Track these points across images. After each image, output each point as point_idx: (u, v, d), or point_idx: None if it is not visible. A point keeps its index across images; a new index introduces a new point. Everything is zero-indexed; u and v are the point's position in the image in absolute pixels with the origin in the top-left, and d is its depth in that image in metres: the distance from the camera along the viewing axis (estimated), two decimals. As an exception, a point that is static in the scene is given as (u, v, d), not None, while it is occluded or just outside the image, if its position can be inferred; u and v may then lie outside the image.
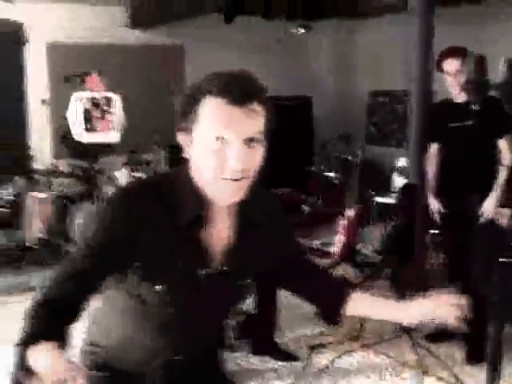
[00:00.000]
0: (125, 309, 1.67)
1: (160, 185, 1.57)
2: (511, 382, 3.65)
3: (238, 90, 1.43)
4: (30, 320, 1.43)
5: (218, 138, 1.42)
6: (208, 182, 1.49)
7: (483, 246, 4.03)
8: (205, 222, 1.55)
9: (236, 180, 1.45)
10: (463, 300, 1.65)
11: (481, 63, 2.30)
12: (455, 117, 3.95)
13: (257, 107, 1.46)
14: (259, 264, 1.71)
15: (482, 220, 3.95)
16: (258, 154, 1.48)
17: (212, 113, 1.43)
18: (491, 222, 4.02)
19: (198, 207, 1.53)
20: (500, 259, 2.47)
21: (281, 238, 1.79)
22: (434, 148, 4.25)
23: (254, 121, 1.45)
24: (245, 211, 1.60)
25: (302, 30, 6.48)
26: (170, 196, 1.52)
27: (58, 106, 7.47)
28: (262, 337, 4.06)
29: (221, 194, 1.49)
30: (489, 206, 3.94)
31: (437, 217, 4.24)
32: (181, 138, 1.53)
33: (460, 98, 3.83)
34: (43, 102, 7.62)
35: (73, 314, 1.49)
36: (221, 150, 1.42)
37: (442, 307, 1.64)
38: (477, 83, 2.28)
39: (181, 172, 1.56)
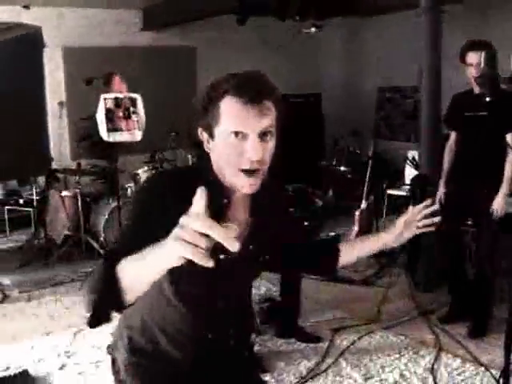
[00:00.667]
0: (156, 291, 1.75)
1: (188, 174, 1.78)
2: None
3: (252, 89, 1.61)
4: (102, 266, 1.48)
5: (236, 134, 1.59)
6: (229, 173, 1.66)
7: (490, 232, 4.24)
8: (228, 210, 1.73)
9: (253, 171, 1.63)
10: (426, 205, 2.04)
11: (492, 58, 2.50)
12: (472, 106, 4.14)
13: (269, 104, 1.64)
14: (272, 243, 1.92)
15: (494, 217, 4.10)
16: (270, 146, 1.66)
17: (230, 111, 1.60)
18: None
19: (222, 196, 1.71)
20: None
21: (286, 219, 2.08)
22: (452, 136, 4.46)
23: (267, 117, 1.62)
24: (259, 199, 1.78)
25: (314, 30, 6.66)
26: (197, 184, 1.44)
27: (75, 107, 7.73)
28: (287, 321, 4.27)
29: (241, 184, 1.65)
30: (499, 204, 4.10)
31: (439, 205, 4.38)
32: (202, 134, 1.71)
33: (479, 89, 3.96)
34: (60, 104, 7.85)
35: None
36: (239, 144, 1.60)
37: (411, 218, 2.02)
38: (489, 77, 2.47)
39: (204, 165, 1.73)
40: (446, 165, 4.49)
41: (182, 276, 1.67)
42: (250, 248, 1.79)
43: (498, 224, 4.20)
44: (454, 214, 4.34)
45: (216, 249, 1.25)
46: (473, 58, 3.95)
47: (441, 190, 4.47)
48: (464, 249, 4.80)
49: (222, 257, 1.58)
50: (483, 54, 2.58)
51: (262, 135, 1.62)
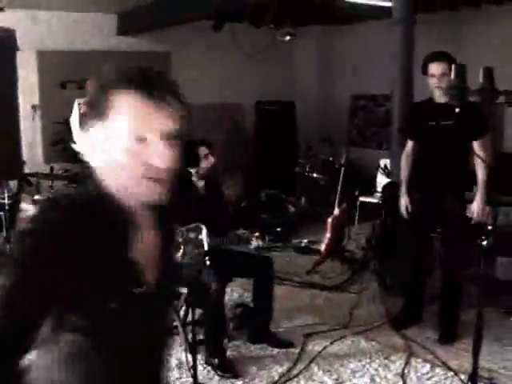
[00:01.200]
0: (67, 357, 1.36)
1: (81, 209, 1.34)
2: (493, 360, 3.95)
3: (155, 84, 1.34)
4: None
5: (138, 137, 1.32)
6: (128, 184, 1.35)
7: (457, 238, 4.36)
8: (132, 238, 1.39)
9: (158, 180, 1.35)
10: None
11: (462, 70, 2.57)
12: (436, 116, 4.24)
13: (174, 104, 1.37)
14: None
15: (473, 221, 4.20)
16: (177, 152, 1.38)
17: (129, 109, 1.32)
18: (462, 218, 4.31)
19: (122, 223, 1.37)
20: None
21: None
22: (410, 145, 4.54)
23: (173, 118, 1.36)
24: (164, 216, 1.51)
25: (288, 38, 6.73)
26: (95, 218, 1.32)
27: (48, 111, 7.68)
28: (260, 326, 4.30)
29: (144, 195, 1.37)
30: (477, 207, 4.20)
31: (404, 214, 4.52)
32: (86, 136, 1.39)
33: (443, 98, 4.08)
34: (33, 107, 7.79)
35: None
36: (141, 149, 1.32)
37: None
38: (458, 89, 2.55)
39: (92, 185, 1.38)
40: (404, 172, 4.57)
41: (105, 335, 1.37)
42: (163, 283, 1.47)
43: (465, 231, 4.31)
44: (421, 221, 4.46)
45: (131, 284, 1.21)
46: (434, 68, 4.16)
47: (404, 199, 4.54)
48: (431, 255, 4.89)
49: (138, 290, 1.38)
50: (454, 66, 2.65)
51: (169, 139, 1.35)
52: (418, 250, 4.53)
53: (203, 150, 4.19)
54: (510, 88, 2.77)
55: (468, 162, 4.26)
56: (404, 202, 4.52)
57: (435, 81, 4.17)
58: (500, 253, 4.72)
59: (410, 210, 4.50)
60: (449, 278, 4.42)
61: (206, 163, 4.19)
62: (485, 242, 2.58)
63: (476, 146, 4.15)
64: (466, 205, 4.57)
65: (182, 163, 4.10)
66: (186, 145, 4.77)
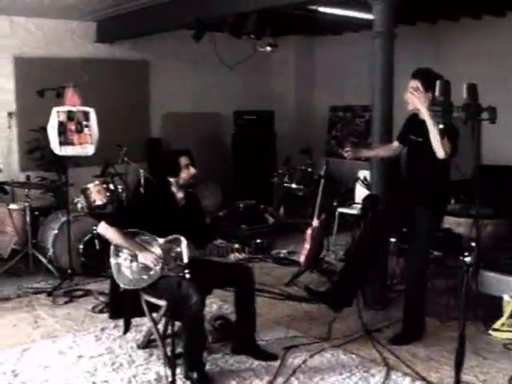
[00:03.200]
0: None
1: None
2: (471, 373, 3.95)
3: None
4: None
5: None
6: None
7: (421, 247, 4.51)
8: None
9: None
10: None
11: (447, 87, 2.59)
12: (414, 131, 4.41)
13: None
14: None
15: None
16: None
17: None
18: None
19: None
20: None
21: None
22: (395, 144, 4.77)
23: None
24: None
25: (269, 48, 6.73)
26: None
27: (25, 118, 7.59)
28: (243, 338, 4.26)
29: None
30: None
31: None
32: None
33: (419, 112, 4.24)
34: (9, 114, 7.69)
35: None
36: None
37: None
38: (443, 105, 2.56)
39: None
40: (374, 150, 5.01)
41: None
42: None
43: (428, 240, 4.49)
44: (387, 220, 4.70)
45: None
46: (412, 84, 4.27)
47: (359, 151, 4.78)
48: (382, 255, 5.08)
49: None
50: (438, 82, 2.66)
51: None
52: (374, 242, 4.69)
53: (184, 160, 4.15)
54: (489, 102, 2.78)
55: (442, 178, 4.38)
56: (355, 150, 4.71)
57: (412, 97, 4.26)
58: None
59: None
60: (410, 286, 4.63)
61: (187, 173, 4.15)
62: (468, 258, 2.58)
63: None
64: (442, 217, 4.85)
65: (163, 172, 4.17)
66: (167, 154, 4.77)
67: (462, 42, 7.60)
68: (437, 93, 2.65)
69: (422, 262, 4.53)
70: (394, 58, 5.05)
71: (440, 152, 4.00)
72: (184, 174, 4.15)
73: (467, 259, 2.56)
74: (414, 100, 4.18)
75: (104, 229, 4.07)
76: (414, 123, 4.42)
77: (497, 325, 4.64)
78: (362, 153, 4.86)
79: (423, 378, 3.91)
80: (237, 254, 4.06)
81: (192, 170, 4.16)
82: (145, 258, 3.99)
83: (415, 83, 4.26)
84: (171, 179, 4.15)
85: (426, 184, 4.39)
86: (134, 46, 8.39)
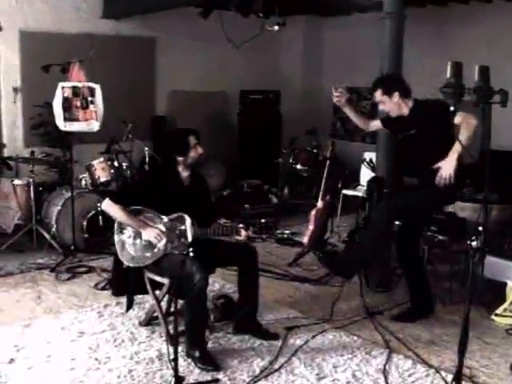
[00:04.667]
0: None
1: None
2: (473, 358, 3.96)
3: None
4: None
5: None
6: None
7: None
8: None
9: None
10: None
11: (458, 69, 2.55)
12: (402, 126, 4.42)
13: None
14: None
15: (438, 180, 4.16)
16: None
17: None
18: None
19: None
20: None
21: None
22: (375, 123, 4.79)
23: None
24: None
25: (277, 27, 6.67)
26: None
27: (30, 94, 7.54)
28: (245, 317, 4.25)
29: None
30: (446, 165, 4.11)
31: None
32: None
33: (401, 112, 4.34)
34: (15, 89, 7.64)
35: None
36: None
37: None
38: (454, 87, 2.52)
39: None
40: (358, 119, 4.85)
41: None
42: None
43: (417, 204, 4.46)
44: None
45: None
46: (377, 97, 4.34)
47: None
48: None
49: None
50: (449, 63, 2.62)
51: None
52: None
53: (193, 139, 4.12)
54: (498, 86, 2.74)
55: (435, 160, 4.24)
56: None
57: (382, 106, 4.40)
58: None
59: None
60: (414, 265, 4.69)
61: (195, 153, 4.12)
62: (474, 243, 2.56)
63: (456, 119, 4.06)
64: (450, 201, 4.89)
65: (171, 151, 4.14)
66: (176, 132, 4.75)
67: (471, 25, 7.51)
68: (448, 74, 2.61)
69: (392, 210, 4.46)
70: (403, 39, 4.99)
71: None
72: (193, 153, 4.12)
73: (474, 243, 2.55)
74: (389, 108, 4.33)
75: (108, 206, 4.06)
76: (398, 119, 4.42)
77: (499, 310, 4.64)
78: (347, 106, 4.69)
79: (424, 361, 3.92)
80: (244, 232, 4.07)
81: (200, 150, 4.13)
82: (148, 233, 3.98)
83: (378, 94, 4.34)
84: (179, 158, 4.11)
85: (432, 171, 4.20)
86: (141, 23, 8.30)
